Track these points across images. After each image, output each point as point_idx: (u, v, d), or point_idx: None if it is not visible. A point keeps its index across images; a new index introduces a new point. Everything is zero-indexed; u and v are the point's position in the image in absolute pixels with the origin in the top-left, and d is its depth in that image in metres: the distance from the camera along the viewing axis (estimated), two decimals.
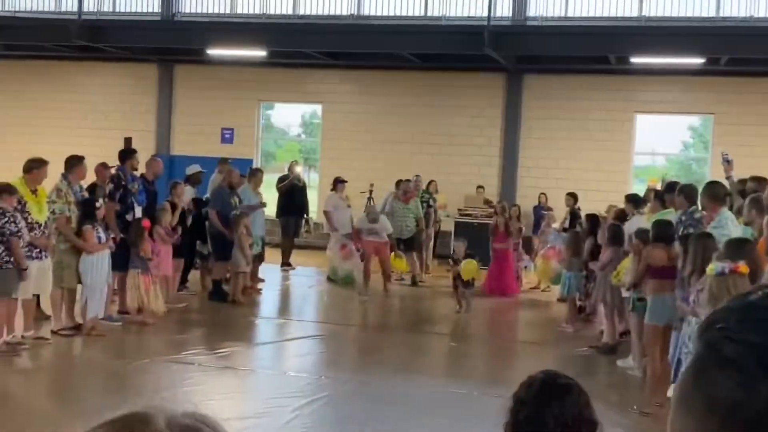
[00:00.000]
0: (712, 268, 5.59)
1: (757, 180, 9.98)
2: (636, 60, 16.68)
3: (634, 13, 17.67)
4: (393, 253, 14.39)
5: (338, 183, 15.72)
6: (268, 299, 14.00)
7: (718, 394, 0.81)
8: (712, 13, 17.38)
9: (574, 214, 15.02)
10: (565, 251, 12.30)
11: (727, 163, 10.57)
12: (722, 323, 0.85)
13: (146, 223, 11.23)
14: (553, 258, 13.82)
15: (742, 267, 5.39)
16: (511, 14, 18.26)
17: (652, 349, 8.02)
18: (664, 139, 19.97)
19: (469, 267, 12.49)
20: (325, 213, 15.59)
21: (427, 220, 16.47)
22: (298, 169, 17.21)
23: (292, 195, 16.40)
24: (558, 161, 18.55)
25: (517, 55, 17.72)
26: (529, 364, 10.34)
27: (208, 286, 13.14)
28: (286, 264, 16.24)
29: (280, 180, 16.77)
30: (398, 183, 15.92)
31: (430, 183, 17.22)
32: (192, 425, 0.92)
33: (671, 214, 9.43)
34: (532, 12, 18.40)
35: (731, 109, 17.74)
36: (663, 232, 8.36)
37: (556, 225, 15.47)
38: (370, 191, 16.84)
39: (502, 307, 13.97)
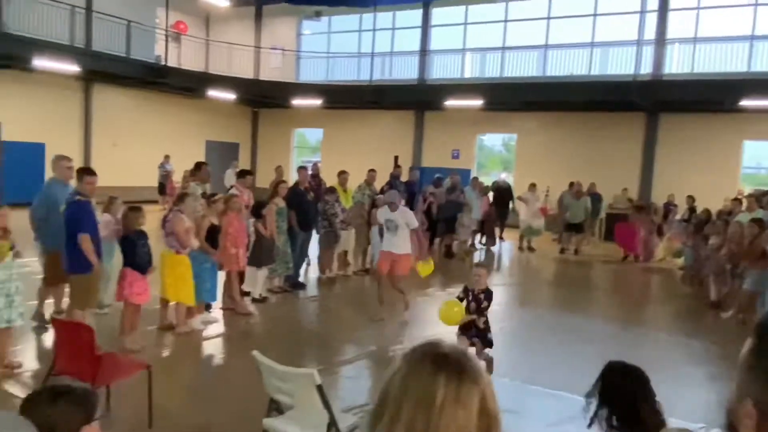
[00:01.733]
0: None
1: None
2: (744, 102, 14.91)
3: (743, 68, 15.89)
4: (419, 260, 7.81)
5: (531, 186, 15.41)
6: (482, 257, 14.06)
7: None
8: None
9: (692, 210, 13.91)
10: (687, 235, 11.44)
11: None
12: None
13: None
14: (676, 240, 12.85)
15: None
16: (651, 71, 17.02)
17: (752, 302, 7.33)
18: (766, 155, 17.80)
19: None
20: (520, 198, 15.12)
21: (596, 211, 15.73)
22: (503, 176, 17.09)
23: (501, 192, 16.00)
24: (682, 172, 17.07)
25: (654, 101, 16.48)
26: (658, 311, 9.75)
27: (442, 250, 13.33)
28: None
29: (493, 183, 16.57)
30: (571, 184, 15.18)
31: (591, 185, 16.44)
32: (463, 351, 0.97)
33: (761, 213, 8.59)
34: (666, 69, 17.08)
35: None
36: (762, 226, 7.61)
37: (678, 216, 14.35)
38: (547, 191, 16.40)
39: (636, 271, 13.08)
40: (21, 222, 5.53)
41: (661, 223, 14.61)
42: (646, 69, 17.01)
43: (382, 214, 7.59)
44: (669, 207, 15.46)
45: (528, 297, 10.16)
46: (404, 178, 13.18)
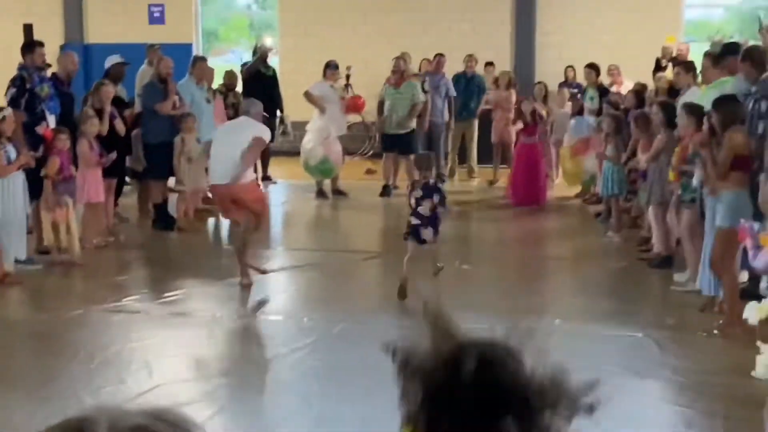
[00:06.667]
0: None
1: None
2: None
3: None
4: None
5: (328, 68, 15.41)
6: (228, 224, 13.86)
7: None
8: None
9: (601, 92, 14.78)
10: (604, 139, 12.15)
11: (767, 31, 10.62)
12: None
13: (48, 133, 10.98)
14: (585, 152, 13.69)
15: None
16: None
17: (730, 260, 7.98)
18: None
19: None
20: (308, 95, 15.11)
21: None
22: (268, 44, 16.88)
23: (259, 86, 15.64)
24: (587, 23, 18.30)
25: None
26: (561, 287, 10.39)
27: (148, 212, 13.07)
28: (264, 177, 15.93)
29: (244, 67, 16.32)
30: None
31: (422, 62, 16.91)
32: (143, 425, 0.99)
33: (729, 85, 9.34)
34: None
35: None
36: (735, 111, 8.20)
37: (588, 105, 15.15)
38: (347, 76, 16.52)
39: (525, 215, 13.90)
40: None
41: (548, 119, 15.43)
42: None
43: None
44: (570, 89, 16.37)
45: (331, 291, 10.37)
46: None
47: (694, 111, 9.02)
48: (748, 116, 8.27)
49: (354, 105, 15.78)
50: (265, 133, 10.35)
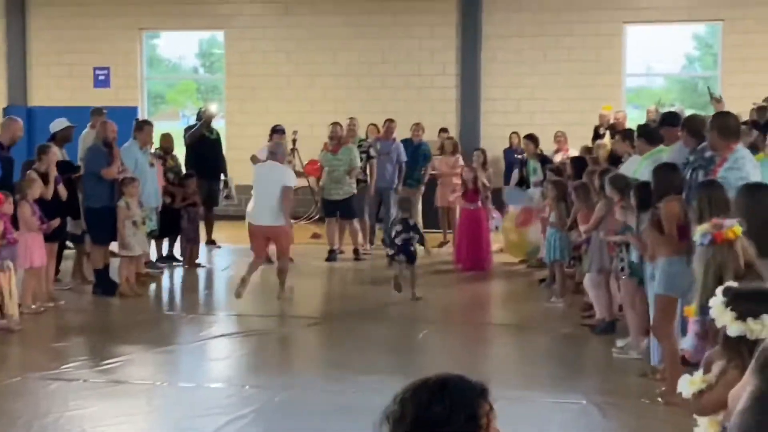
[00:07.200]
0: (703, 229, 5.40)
1: None
2: None
3: None
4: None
5: (275, 133, 15.48)
6: (170, 290, 13.91)
7: None
8: None
9: (542, 159, 14.92)
10: (549, 205, 12.27)
11: (716, 101, 10.86)
12: None
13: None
14: (530, 223, 13.79)
15: (728, 232, 5.08)
16: None
17: (668, 327, 8.06)
18: (661, 54, 20.06)
19: None
20: (255, 158, 14.78)
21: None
22: (213, 110, 16.89)
23: (203, 149, 15.93)
24: (532, 90, 18.53)
25: None
26: (507, 353, 10.43)
27: (88, 277, 12.98)
28: (209, 242, 16.07)
29: (188, 130, 16.35)
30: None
31: (368, 127, 16.97)
32: None
33: (664, 154, 9.50)
34: None
35: (745, 13, 17.83)
36: (671, 180, 8.32)
37: (536, 177, 15.28)
38: (294, 140, 16.59)
39: (470, 280, 14.01)
40: None
41: (503, 187, 15.64)
42: None
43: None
44: (514, 156, 16.60)
45: (273, 358, 10.39)
46: None
47: (617, 182, 9.24)
48: (686, 185, 8.36)
49: (313, 169, 15.77)
50: (290, 180, 12.22)
